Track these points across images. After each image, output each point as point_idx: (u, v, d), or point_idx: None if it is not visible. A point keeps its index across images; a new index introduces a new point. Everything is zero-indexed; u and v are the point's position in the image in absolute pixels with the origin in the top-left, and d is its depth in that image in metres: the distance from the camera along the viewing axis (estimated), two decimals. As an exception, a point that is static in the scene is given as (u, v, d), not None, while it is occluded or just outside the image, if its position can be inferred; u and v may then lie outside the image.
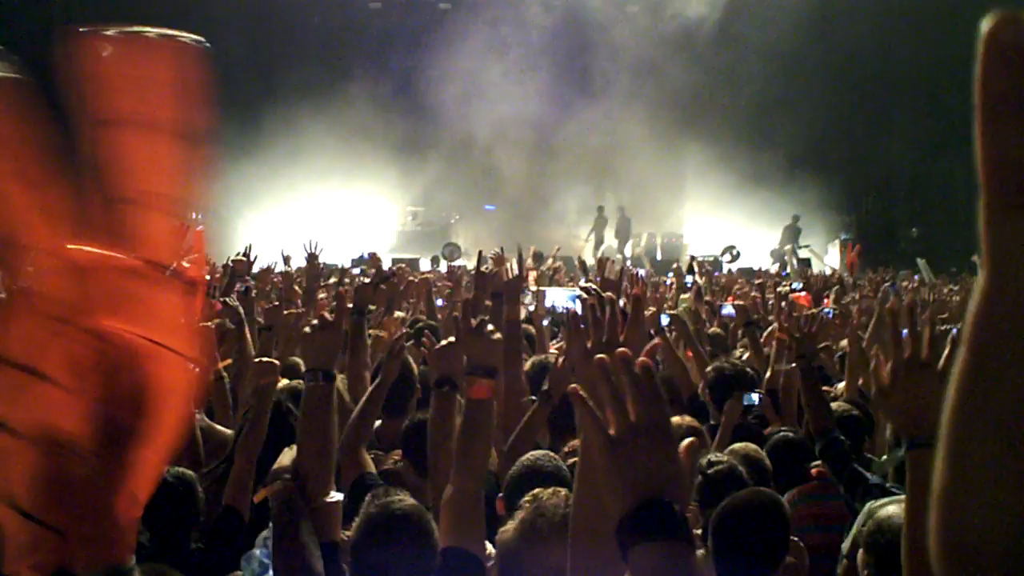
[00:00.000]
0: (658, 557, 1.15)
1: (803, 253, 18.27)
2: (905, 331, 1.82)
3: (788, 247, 18.62)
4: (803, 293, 8.65)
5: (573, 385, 1.29)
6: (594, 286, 3.10)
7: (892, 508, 1.78)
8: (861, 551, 1.88)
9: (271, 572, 2.48)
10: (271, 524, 2.43)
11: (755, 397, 4.39)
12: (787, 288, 8.52)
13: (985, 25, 0.56)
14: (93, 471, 1.38)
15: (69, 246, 1.39)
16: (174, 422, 1.49)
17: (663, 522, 1.16)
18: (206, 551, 2.94)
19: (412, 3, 20.45)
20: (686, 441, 1.30)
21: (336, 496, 2.49)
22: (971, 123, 0.58)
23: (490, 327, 2.64)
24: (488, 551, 2.45)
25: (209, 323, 4.40)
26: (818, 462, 3.67)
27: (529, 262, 13.46)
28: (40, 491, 1.36)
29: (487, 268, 4.97)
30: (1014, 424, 0.57)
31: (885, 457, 2.76)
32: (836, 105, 19.88)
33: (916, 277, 12.46)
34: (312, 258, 6.75)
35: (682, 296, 7.47)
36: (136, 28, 1.52)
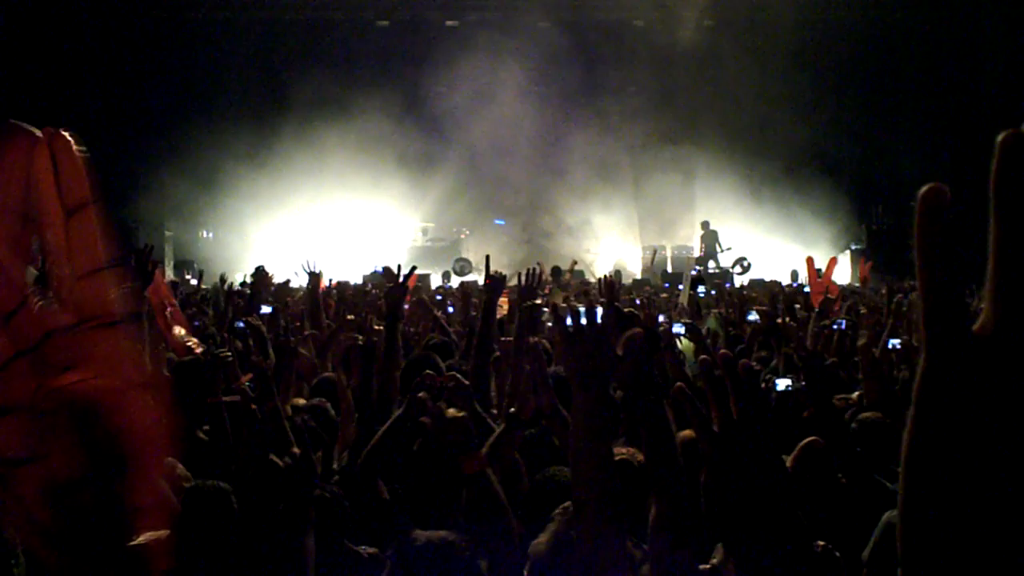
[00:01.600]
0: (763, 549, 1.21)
1: (724, 258, 18.52)
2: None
3: (720, 251, 18.73)
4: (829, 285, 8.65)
5: (679, 384, 1.38)
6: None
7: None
8: None
9: None
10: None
11: (786, 383, 4.12)
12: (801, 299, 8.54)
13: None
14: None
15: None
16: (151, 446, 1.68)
17: (768, 515, 1.22)
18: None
19: (419, 21, 20.64)
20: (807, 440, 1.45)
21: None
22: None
23: (451, 409, 2.72)
24: None
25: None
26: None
27: (547, 277, 13.48)
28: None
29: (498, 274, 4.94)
30: (940, 467, 0.74)
31: None
32: (844, 112, 19.90)
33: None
34: (313, 277, 6.61)
35: (714, 311, 7.61)
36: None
